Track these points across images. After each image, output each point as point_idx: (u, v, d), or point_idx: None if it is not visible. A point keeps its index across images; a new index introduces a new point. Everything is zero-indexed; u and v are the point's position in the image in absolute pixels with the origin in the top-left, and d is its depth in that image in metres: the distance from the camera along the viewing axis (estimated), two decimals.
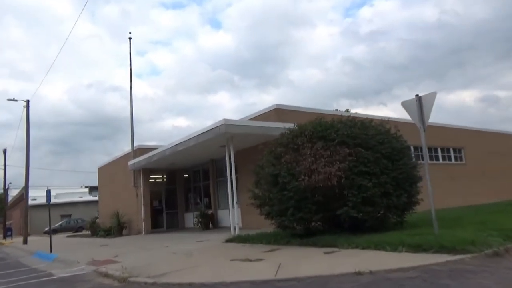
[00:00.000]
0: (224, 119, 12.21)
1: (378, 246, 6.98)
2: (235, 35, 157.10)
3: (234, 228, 12.44)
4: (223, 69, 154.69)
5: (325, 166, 8.25)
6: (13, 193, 59.65)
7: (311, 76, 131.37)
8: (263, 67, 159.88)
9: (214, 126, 12.57)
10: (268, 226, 10.65)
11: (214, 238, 12.58)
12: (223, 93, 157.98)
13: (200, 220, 17.52)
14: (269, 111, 14.55)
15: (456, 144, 21.68)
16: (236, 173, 13.34)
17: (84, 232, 31.23)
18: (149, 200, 19.91)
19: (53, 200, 50.69)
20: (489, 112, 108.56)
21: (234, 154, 13.00)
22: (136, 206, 20.33)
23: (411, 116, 7.88)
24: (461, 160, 22.07)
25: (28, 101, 25.49)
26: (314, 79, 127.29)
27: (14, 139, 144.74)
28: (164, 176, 21.88)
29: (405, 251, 6.48)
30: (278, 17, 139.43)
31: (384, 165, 8.60)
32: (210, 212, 18.08)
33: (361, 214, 8.23)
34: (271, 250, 8.39)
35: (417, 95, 7.74)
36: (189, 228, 20.23)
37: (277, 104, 14.58)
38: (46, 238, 29.57)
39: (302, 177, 8.36)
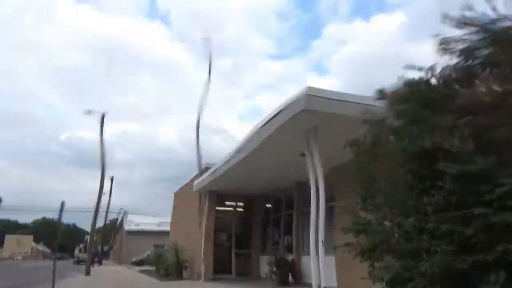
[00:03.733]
0: (308, 89, 6.76)
1: None
2: (341, 78, 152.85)
3: None
4: None
5: None
6: (130, 218, 59.76)
7: None
8: None
9: (285, 107, 7.20)
10: None
11: None
12: None
13: (274, 269, 11.78)
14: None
15: None
16: (329, 200, 7.67)
17: (147, 267, 27.75)
18: (212, 232, 14.93)
19: (154, 228, 49.69)
20: None
21: (326, 171, 7.39)
22: (199, 239, 15.54)
23: None
24: None
25: (103, 114, 23.69)
26: None
27: (137, 177, 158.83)
28: (238, 202, 16.84)
29: None
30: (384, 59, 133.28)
31: None
32: (290, 258, 12.24)
33: None
34: None
35: None
36: (263, 279, 14.51)
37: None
38: (125, 271, 27.23)
39: None
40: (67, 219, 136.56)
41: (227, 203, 16.83)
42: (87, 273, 20.45)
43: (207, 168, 14.70)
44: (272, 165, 10.88)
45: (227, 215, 16.90)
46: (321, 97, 6.90)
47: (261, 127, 8.30)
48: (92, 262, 36.32)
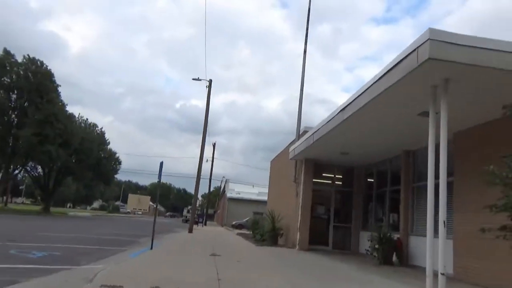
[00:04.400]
0: (429, 34, 5.38)
1: None
2: None
3: (441, 275, 5.34)
4: None
5: None
6: (231, 186, 62.54)
7: None
8: None
9: (405, 56, 5.90)
10: None
11: None
12: None
13: (377, 246, 10.64)
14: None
15: None
16: (449, 175, 6.31)
17: (245, 231, 28.45)
18: (310, 203, 14.21)
19: (254, 197, 51.65)
20: None
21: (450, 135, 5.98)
22: (295, 208, 15.03)
23: None
24: None
25: (210, 81, 24.41)
26: None
27: (239, 145, 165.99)
28: (337, 174, 15.76)
29: None
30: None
31: None
32: (396, 237, 10.92)
33: None
34: None
35: None
36: (362, 255, 13.42)
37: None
38: (224, 232, 28.80)
39: None
40: (178, 183, 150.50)
41: (324, 174, 15.90)
42: (190, 230, 21.77)
43: (305, 132, 13.85)
44: (379, 129, 9.54)
45: (325, 186, 16.02)
46: (451, 43, 5.46)
47: (374, 83, 7.11)
48: (197, 222, 39.35)
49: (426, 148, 6.29)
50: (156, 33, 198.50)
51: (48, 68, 35.62)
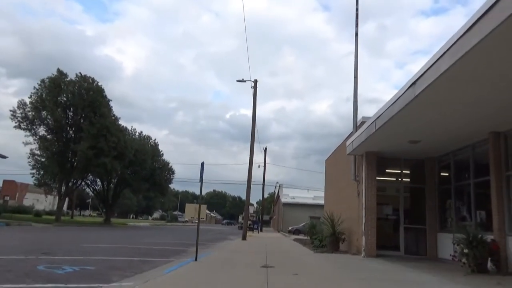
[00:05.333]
0: None
1: None
2: None
3: None
4: None
5: None
6: (285, 191, 61.05)
7: None
8: None
9: None
10: None
11: None
12: None
13: (466, 251, 8.60)
14: None
15: None
16: None
17: (302, 236, 26.71)
18: (375, 203, 12.33)
19: (309, 202, 49.96)
20: None
21: None
22: (357, 209, 13.23)
23: None
24: None
25: (256, 81, 23.28)
26: None
27: (291, 150, 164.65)
28: (404, 169, 13.69)
29: None
30: None
31: None
32: (489, 238, 8.79)
33: None
34: None
35: None
36: (444, 261, 11.30)
37: None
38: (280, 238, 27.33)
39: None
40: (233, 192, 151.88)
41: (388, 171, 13.93)
42: (244, 237, 20.59)
43: (363, 123, 12.06)
44: (463, 104, 7.64)
45: (390, 184, 14.03)
46: None
47: (459, 38, 5.39)
48: (252, 229, 38.27)
49: None
50: (202, 48, 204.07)
51: (99, 84, 36.75)
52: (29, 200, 66.27)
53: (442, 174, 12.91)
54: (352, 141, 12.41)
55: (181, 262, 8.86)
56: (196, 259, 8.93)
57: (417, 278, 7.60)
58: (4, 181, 70.88)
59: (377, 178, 12.53)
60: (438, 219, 12.54)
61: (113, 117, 37.23)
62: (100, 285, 5.89)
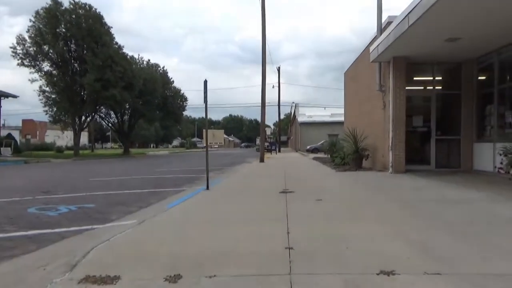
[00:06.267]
0: None
1: None
2: None
3: None
4: None
5: None
6: (302, 111, 59.74)
7: None
8: None
9: None
10: None
11: None
12: None
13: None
14: None
15: None
16: None
17: (321, 155, 25.96)
18: (404, 113, 11.00)
19: (327, 119, 48.90)
20: None
21: None
22: (383, 123, 11.98)
23: None
24: None
25: None
26: None
27: (305, 69, 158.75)
28: (436, 76, 12.05)
29: None
30: None
31: None
32: None
33: None
34: None
35: None
36: (482, 173, 10.24)
37: None
38: (299, 158, 26.75)
39: None
40: (250, 115, 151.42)
41: (418, 78, 12.32)
42: (261, 160, 19.96)
43: (389, 24, 10.25)
44: None
45: (421, 92, 12.53)
46: None
47: None
48: (270, 150, 37.96)
49: None
50: None
51: (97, 11, 34.17)
52: (50, 137, 67.29)
53: (481, 77, 11.28)
54: (377, 46, 10.71)
55: (192, 191, 8.06)
56: (207, 188, 8.10)
57: (462, 194, 6.56)
58: (23, 121, 71.83)
59: (407, 88, 11.05)
60: (476, 128, 11.22)
61: (116, 46, 35.21)
62: (94, 226, 5.09)
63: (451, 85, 11.82)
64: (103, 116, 44.08)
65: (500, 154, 7.89)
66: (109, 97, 32.06)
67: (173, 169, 17.43)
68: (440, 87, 12.10)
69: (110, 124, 46.82)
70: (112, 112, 43.26)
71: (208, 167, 8.48)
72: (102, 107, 38.99)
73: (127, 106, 40.38)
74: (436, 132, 11.59)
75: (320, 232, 4.06)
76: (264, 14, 20.39)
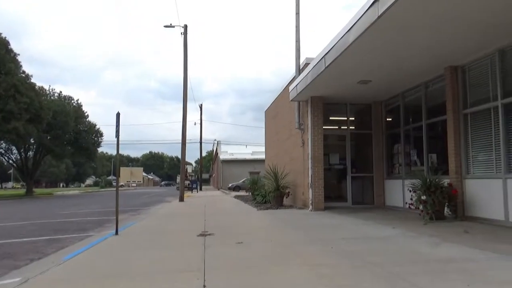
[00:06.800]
0: None
1: None
2: None
3: None
4: None
5: None
6: (224, 148, 59.56)
7: None
8: None
9: None
10: None
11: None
12: None
13: (424, 198, 7.84)
14: None
15: None
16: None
17: (242, 193, 25.88)
18: (322, 152, 11.32)
19: (248, 157, 49.08)
20: None
21: None
22: (302, 160, 12.17)
23: None
24: None
25: (186, 26, 20.70)
26: None
27: (226, 107, 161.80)
28: (351, 115, 12.75)
29: None
30: None
31: None
32: (446, 182, 8.11)
33: None
34: None
35: None
36: (394, 209, 10.77)
37: None
38: (220, 197, 26.20)
39: None
40: (172, 152, 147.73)
41: (333, 118, 12.93)
42: (181, 199, 19.05)
43: (306, 66, 10.69)
44: (433, 29, 6.41)
45: (336, 131, 13.11)
46: None
47: None
48: (191, 189, 36.76)
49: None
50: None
51: (3, 36, 31.23)
52: None
53: (389, 118, 12.18)
54: (296, 85, 11.04)
55: (99, 237, 7.11)
56: (116, 233, 7.22)
57: (379, 232, 6.65)
58: None
59: (324, 127, 11.46)
60: (386, 166, 11.93)
61: (23, 74, 32.20)
62: None
63: (363, 125, 12.57)
64: (3, 152, 39.36)
65: (410, 191, 8.33)
66: (11, 130, 28.76)
67: (81, 211, 15.74)
68: (353, 127, 12.77)
69: (11, 161, 41.85)
70: (14, 148, 38.85)
71: (118, 208, 7.58)
72: (1, 141, 34.83)
73: (32, 141, 36.62)
74: (351, 170, 12.08)
75: (240, 283, 3.63)
76: (186, 51, 20.29)
